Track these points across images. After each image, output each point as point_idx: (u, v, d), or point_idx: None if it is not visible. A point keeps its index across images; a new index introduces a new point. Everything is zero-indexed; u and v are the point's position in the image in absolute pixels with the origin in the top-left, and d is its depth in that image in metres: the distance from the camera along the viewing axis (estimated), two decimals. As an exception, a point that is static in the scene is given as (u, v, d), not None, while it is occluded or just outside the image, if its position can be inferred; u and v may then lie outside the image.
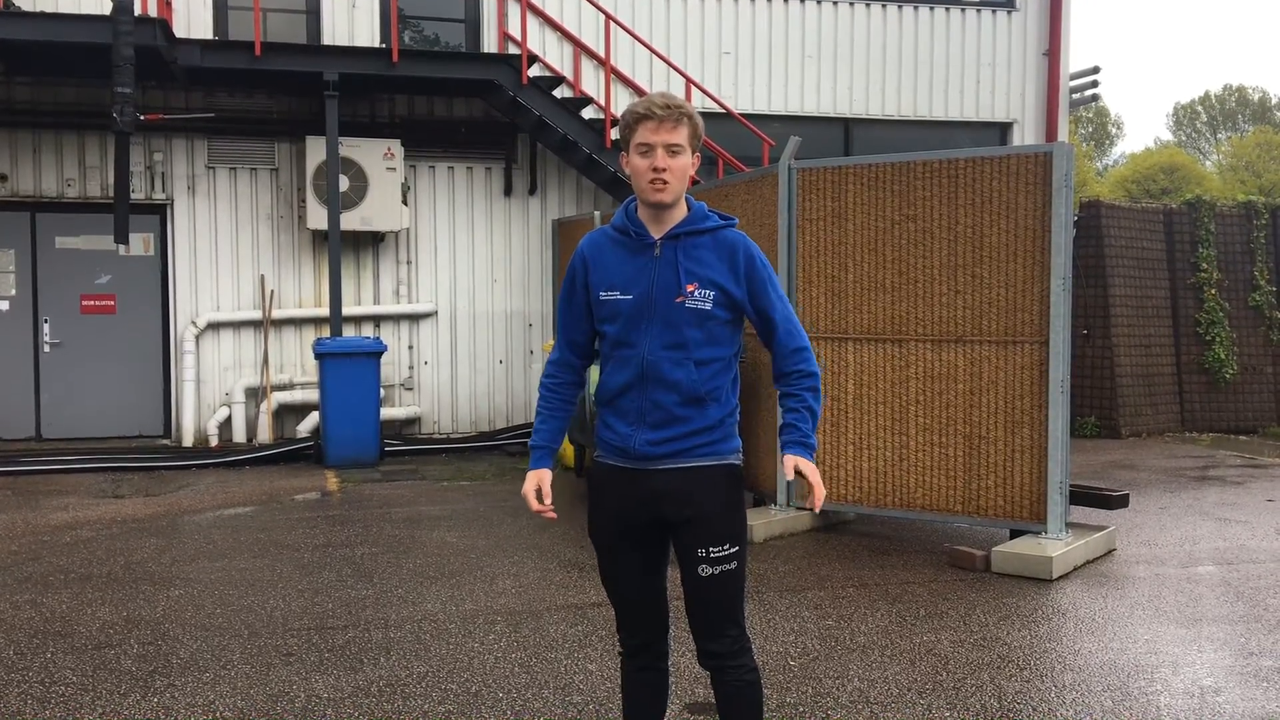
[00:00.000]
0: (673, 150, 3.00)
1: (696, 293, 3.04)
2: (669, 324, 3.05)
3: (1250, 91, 58.27)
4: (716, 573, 3.05)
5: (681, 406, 3.06)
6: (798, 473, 3.04)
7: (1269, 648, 5.13)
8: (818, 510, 3.09)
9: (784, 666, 4.87)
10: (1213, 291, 13.43)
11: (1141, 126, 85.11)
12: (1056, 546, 6.51)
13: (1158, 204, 14.28)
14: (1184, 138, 59.41)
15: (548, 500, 3.22)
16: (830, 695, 4.52)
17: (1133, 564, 6.75)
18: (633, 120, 3.02)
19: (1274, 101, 57.50)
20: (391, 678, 4.74)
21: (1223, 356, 13.32)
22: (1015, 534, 6.89)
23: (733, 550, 3.07)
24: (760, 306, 3.12)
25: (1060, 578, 6.35)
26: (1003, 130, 14.12)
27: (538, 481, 3.23)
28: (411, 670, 4.83)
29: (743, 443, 3.20)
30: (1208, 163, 52.52)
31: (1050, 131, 13.97)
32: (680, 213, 3.11)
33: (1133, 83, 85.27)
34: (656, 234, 3.10)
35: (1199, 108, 59.85)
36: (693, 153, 3.06)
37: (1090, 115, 52.71)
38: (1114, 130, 57.96)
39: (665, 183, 3.01)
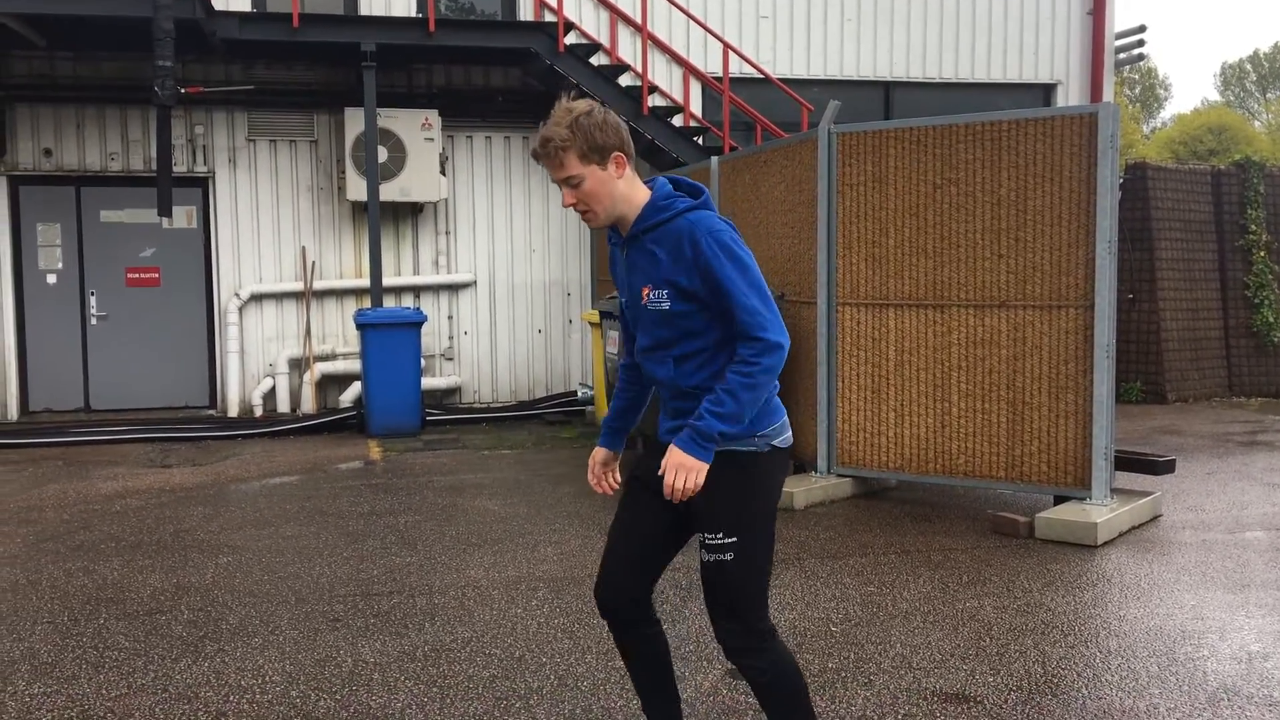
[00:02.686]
0: (570, 182, 2.93)
1: (653, 294, 2.96)
2: (644, 325, 3.06)
3: (1301, 49, 56.87)
4: (711, 560, 2.98)
5: (677, 400, 3.06)
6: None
7: (1319, 613, 5.06)
8: (674, 499, 2.90)
9: (826, 632, 4.87)
10: (1261, 254, 13.19)
11: (1188, 87, 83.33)
12: (1101, 512, 6.46)
13: (1205, 165, 14.02)
14: (1232, 98, 58.19)
15: (592, 477, 3.35)
16: (873, 661, 4.52)
17: (1179, 529, 6.68)
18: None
19: (1326, 59, 56.11)
20: (436, 643, 4.79)
21: (1271, 319, 13.09)
22: (1059, 500, 6.83)
23: (729, 541, 2.94)
24: (716, 293, 2.89)
25: (1105, 544, 6.30)
26: (1046, 92, 13.90)
27: (593, 457, 3.36)
28: (456, 635, 4.88)
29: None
30: (1257, 123, 51.41)
31: (1095, 92, 13.73)
32: (636, 212, 3.00)
33: (1179, 42, 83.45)
34: (623, 234, 3.07)
35: (1247, 66, 58.57)
36: (602, 163, 2.91)
37: (1138, 76, 51.74)
38: (1162, 92, 56.86)
39: (585, 211, 2.98)
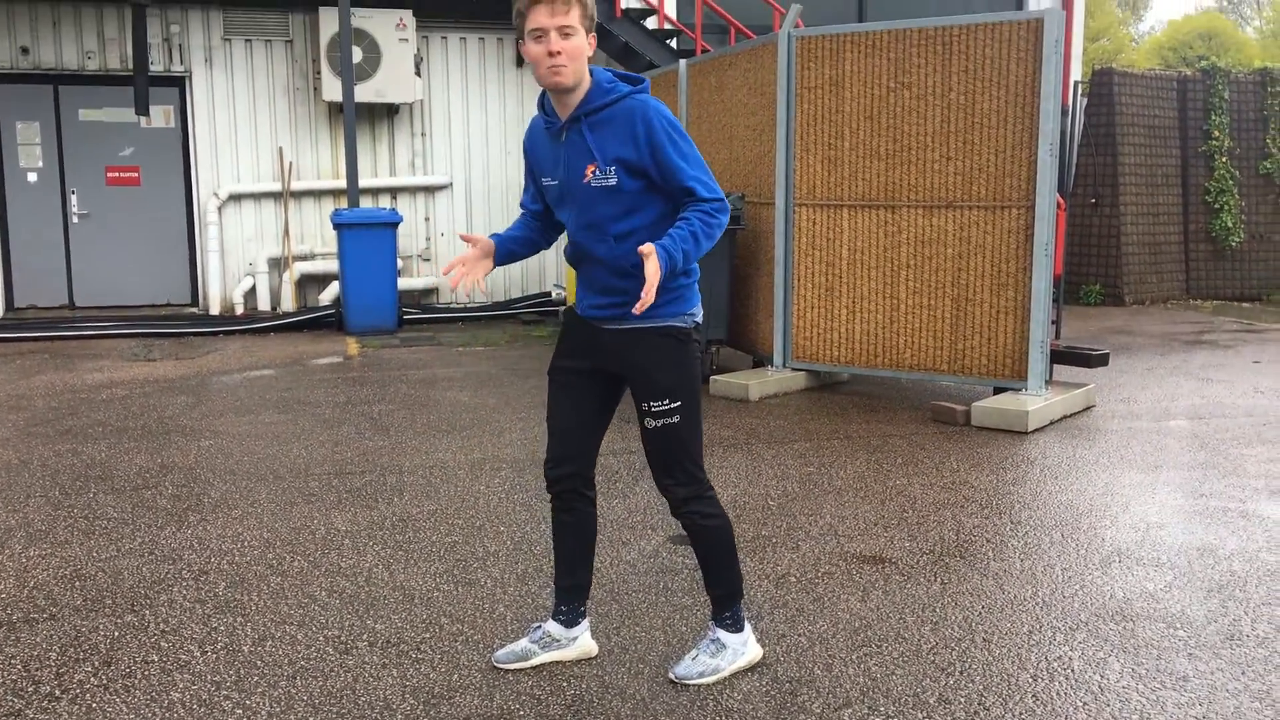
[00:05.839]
0: (565, 32, 3.07)
1: (597, 171, 3.17)
2: (582, 204, 3.23)
3: (1295, -47, 56.06)
4: (659, 425, 3.29)
5: (613, 278, 3.26)
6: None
7: (1220, 491, 5.49)
8: (636, 311, 3.06)
9: (764, 505, 5.28)
10: (1224, 159, 13.46)
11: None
12: (1034, 401, 6.86)
13: (1171, 71, 14.20)
14: (1225, 3, 57.56)
15: (461, 267, 3.34)
16: (802, 529, 4.94)
17: (1108, 419, 7.09)
18: (524, 7, 3.10)
19: (1320, -37, 55.37)
20: (403, 514, 5.18)
21: (1230, 224, 13.42)
22: (999, 391, 7.23)
23: (674, 405, 3.26)
24: (665, 172, 3.15)
25: (1036, 430, 6.71)
26: (1019, -4, 14.00)
27: (471, 252, 3.37)
28: (422, 508, 5.27)
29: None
30: (1249, 29, 50.99)
31: (1066, -3, 13.84)
32: (583, 94, 3.20)
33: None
34: (563, 117, 3.23)
35: (1242, -30, 57.74)
36: (587, 34, 3.13)
37: (1124, -21, 51.07)
38: (1149, -6, 56.09)
39: (563, 65, 3.09)
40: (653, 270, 3.01)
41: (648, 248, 3.03)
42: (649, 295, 3.02)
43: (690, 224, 3.12)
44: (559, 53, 3.08)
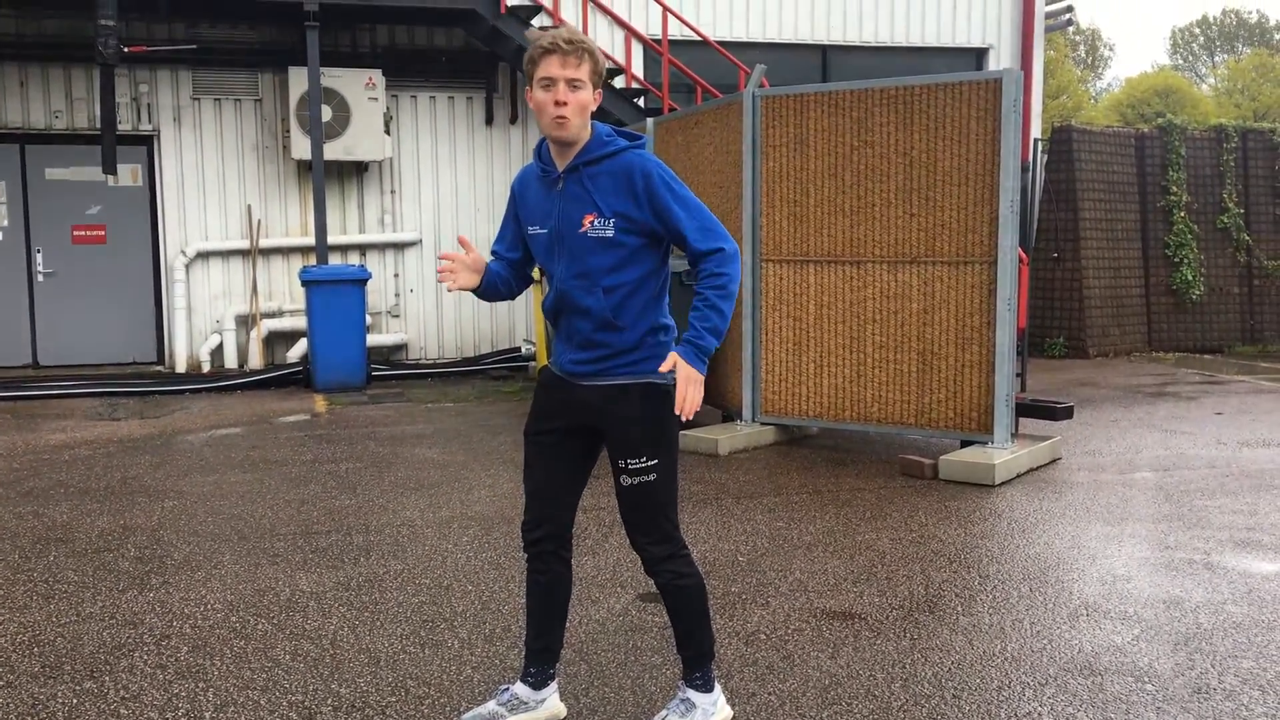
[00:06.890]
0: (574, 85, 3.14)
1: (596, 222, 3.20)
2: (574, 254, 3.24)
3: (1247, 14, 57.72)
4: (635, 483, 3.28)
5: (597, 332, 3.26)
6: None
7: (1185, 542, 5.53)
8: (684, 417, 3.15)
9: (733, 562, 5.26)
10: (1182, 214, 13.72)
11: (1140, 51, 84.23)
12: (1001, 455, 6.90)
13: (1129, 128, 14.51)
14: (1181, 61, 58.99)
15: (450, 264, 3.35)
16: (772, 585, 4.92)
17: (1074, 471, 7.14)
18: (537, 55, 3.15)
19: (1272, 24, 56.98)
20: (370, 574, 5.13)
21: (1190, 278, 13.65)
22: (965, 444, 7.27)
23: (650, 464, 3.26)
24: (667, 223, 3.23)
25: (1003, 483, 6.75)
26: (979, 56, 14.29)
27: (463, 256, 3.38)
28: (389, 568, 5.22)
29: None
30: (1204, 86, 52.23)
31: (1025, 57, 14.14)
32: (583, 145, 3.24)
33: (1131, 7, 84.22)
34: (561, 167, 3.26)
35: (1196, 30, 59.35)
36: (594, 89, 3.19)
37: (1080, 38, 52.36)
38: (1107, 52, 57.55)
39: (565, 118, 3.12)
40: (685, 376, 3.11)
41: (669, 362, 3.12)
42: (688, 404, 3.11)
43: (705, 299, 3.15)
44: (565, 104, 3.13)
